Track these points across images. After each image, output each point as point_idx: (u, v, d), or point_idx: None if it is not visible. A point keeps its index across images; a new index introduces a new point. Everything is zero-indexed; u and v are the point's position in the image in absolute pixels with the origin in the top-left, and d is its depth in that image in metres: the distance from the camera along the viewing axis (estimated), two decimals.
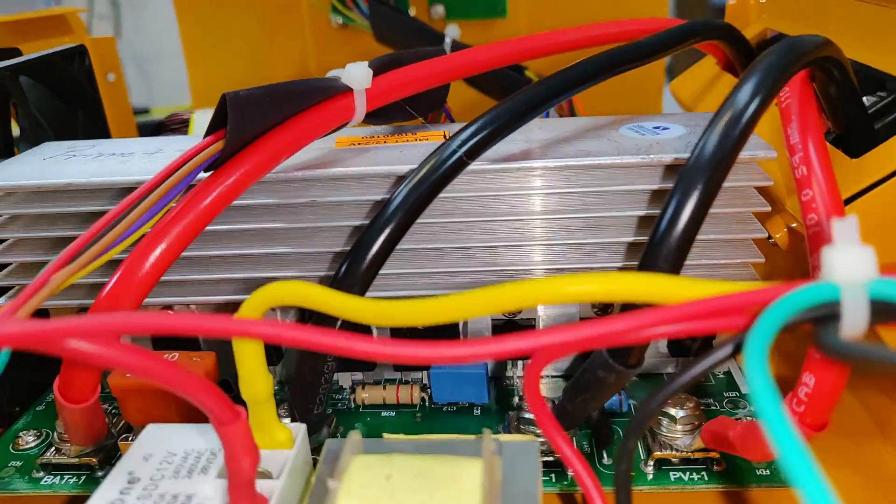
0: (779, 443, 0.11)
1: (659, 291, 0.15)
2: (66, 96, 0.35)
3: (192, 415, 0.26)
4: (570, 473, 0.23)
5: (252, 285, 0.27)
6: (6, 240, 0.27)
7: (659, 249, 0.19)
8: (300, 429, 0.20)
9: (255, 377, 0.19)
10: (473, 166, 0.22)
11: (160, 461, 0.19)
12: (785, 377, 0.27)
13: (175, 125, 0.39)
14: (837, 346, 0.13)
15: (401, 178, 0.24)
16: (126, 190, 0.26)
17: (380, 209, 0.22)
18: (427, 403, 0.28)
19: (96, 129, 0.37)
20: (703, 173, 0.19)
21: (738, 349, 0.13)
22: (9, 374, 0.18)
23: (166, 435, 0.21)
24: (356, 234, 0.25)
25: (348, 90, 0.25)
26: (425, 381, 0.29)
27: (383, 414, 0.28)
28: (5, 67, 0.30)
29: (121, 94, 0.44)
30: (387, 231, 0.21)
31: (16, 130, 0.34)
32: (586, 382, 0.21)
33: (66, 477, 0.25)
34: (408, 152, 0.26)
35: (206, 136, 0.22)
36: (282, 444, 0.19)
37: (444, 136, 0.27)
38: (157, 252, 0.21)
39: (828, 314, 0.13)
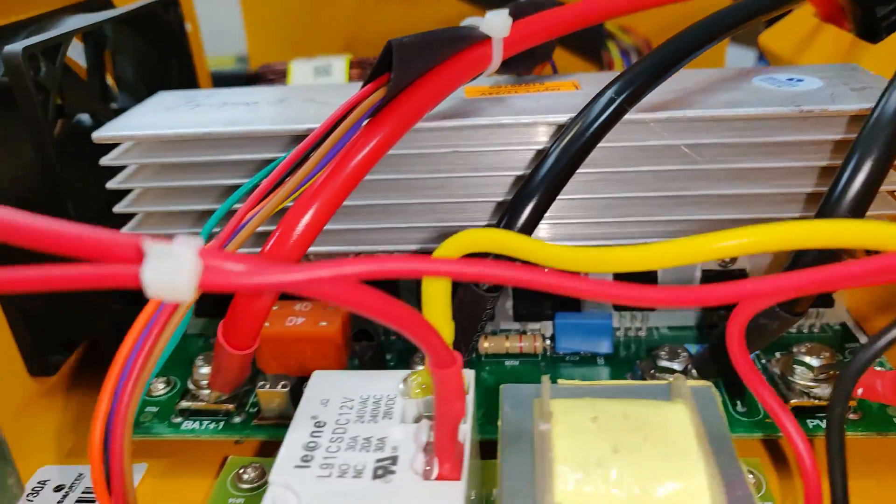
0: None
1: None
2: (162, 47, 0.35)
3: (324, 363, 0.27)
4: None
5: (387, 236, 0.27)
6: (133, 189, 0.27)
7: (840, 201, 0.19)
8: (471, 374, 0.20)
9: (441, 323, 0.19)
10: (627, 116, 0.22)
11: (339, 406, 0.20)
12: None
13: (272, 76, 0.39)
14: None
15: (560, 127, 0.24)
16: (266, 138, 0.25)
17: (540, 159, 0.22)
18: (548, 353, 0.28)
19: (187, 79, 0.36)
20: (888, 127, 0.19)
21: None
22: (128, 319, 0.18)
23: (335, 381, 0.21)
24: (502, 182, 0.25)
25: (487, 38, 0.24)
26: (543, 331, 0.29)
27: (506, 363, 0.28)
28: (109, 19, 0.30)
29: (197, 44, 0.43)
30: (549, 181, 0.21)
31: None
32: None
33: (206, 422, 0.26)
34: (545, 101, 0.25)
35: (366, 83, 0.22)
36: None
37: (575, 86, 0.27)
38: (318, 204, 0.21)
39: None
